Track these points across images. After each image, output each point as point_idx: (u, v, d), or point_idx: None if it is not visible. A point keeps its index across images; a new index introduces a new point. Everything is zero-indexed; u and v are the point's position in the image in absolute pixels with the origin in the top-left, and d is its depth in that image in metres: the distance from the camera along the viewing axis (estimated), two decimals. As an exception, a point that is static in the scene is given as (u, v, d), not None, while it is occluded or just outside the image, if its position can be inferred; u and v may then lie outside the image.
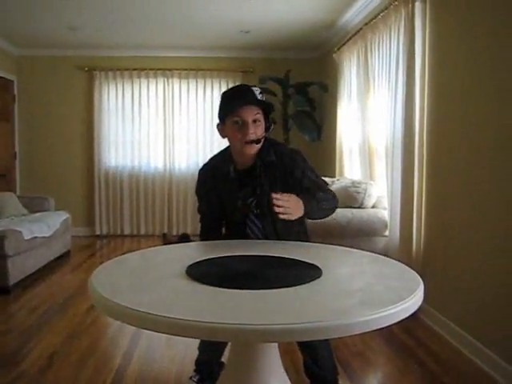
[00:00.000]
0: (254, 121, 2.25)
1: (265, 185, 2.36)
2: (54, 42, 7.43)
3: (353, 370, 3.15)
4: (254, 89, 2.29)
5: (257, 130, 2.26)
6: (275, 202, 2.01)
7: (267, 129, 2.34)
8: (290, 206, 2.06)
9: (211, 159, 2.55)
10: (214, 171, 2.47)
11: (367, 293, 1.57)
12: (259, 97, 2.28)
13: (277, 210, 2.02)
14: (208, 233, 2.57)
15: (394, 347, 3.51)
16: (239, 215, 2.45)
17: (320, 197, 2.29)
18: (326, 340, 2.57)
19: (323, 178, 2.58)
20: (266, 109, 2.32)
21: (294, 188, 2.30)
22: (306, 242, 2.49)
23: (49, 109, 7.95)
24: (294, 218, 2.11)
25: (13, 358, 3.31)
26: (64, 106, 7.97)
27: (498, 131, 3.03)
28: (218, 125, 2.41)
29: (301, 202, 2.14)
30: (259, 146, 2.31)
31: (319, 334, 1.33)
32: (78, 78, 7.94)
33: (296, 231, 2.48)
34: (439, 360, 3.28)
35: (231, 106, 2.26)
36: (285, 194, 2.07)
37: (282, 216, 2.05)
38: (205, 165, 2.55)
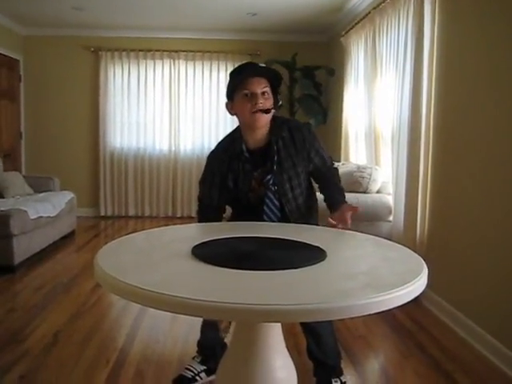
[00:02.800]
0: (263, 93, 2.27)
1: (282, 161, 2.38)
2: (60, 22, 7.40)
3: (354, 354, 3.17)
4: (260, 64, 2.36)
5: (266, 102, 2.28)
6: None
7: (275, 104, 2.34)
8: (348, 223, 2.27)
9: (220, 143, 2.52)
10: (225, 154, 2.45)
11: (371, 275, 1.58)
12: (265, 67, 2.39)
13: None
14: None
15: (397, 332, 3.53)
16: (255, 197, 2.44)
17: (338, 183, 2.55)
18: (331, 326, 2.59)
19: None
20: (274, 81, 2.34)
21: (304, 162, 2.42)
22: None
23: (54, 89, 7.93)
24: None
25: (17, 335, 3.34)
26: (70, 86, 7.95)
27: (508, 116, 3.01)
28: (226, 104, 2.41)
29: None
30: (268, 117, 2.32)
31: (322, 315, 1.33)
32: (84, 58, 7.91)
33: (310, 206, 2.61)
34: (442, 346, 3.29)
35: (240, 79, 2.29)
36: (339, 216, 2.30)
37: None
38: (214, 150, 2.52)
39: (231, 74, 2.37)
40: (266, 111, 2.28)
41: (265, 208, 2.45)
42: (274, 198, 2.45)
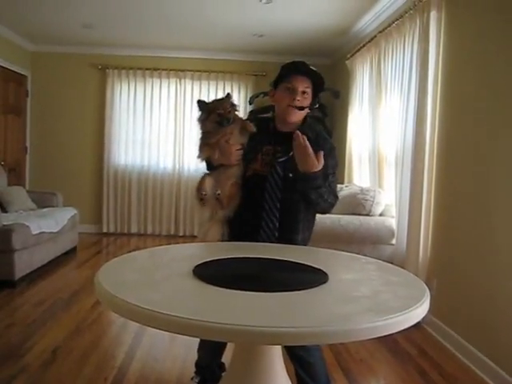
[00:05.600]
0: (303, 92, 2.38)
1: (268, 152, 2.42)
2: (68, 39, 7.48)
3: (355, 378, 3.14)
4: (310, 66, 2.41)
5: (303, 100, 2.38)
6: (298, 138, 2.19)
7: (312, 105, 2.44)
8: (300, 150, 2.20)
9: (255, 113, 2.63)
10: (257, 123, 2.54)
11: (373, 299, 1.57)
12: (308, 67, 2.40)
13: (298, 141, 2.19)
14: None
15: (397, 356, 3.50)
16: (254, 173, 2.46)
17: (324, 190, 2.32)
18: (319, 352, 2.51)
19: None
20: (317, 85, 2.43)
21: None
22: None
23: (61, 105, 7.99)
24: (310, 160, 2.20)
25: (17, 351, 3.32)
26: (76, 102, 8.01)
27: (510, 142, 3.02)
28: (270, 91, 2.56)
29: (316, 166, 2.21)
30: (302, 114, 2.42)
31: (323, 338, 1.33)
32: (91, 75, 7.98)
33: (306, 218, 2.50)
34: (443, 371, 3.26)
35: (286, 74, 2.42)
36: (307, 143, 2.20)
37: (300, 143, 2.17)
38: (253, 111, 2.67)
39: (281, 67, 2.48)
40: (301, 108, 2.38)
41: (265, 195, 2.43)
42: (275, 187, 2.42)
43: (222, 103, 2.46)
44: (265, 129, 2.52)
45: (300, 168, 2.24)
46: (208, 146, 2.49)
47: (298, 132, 2.22)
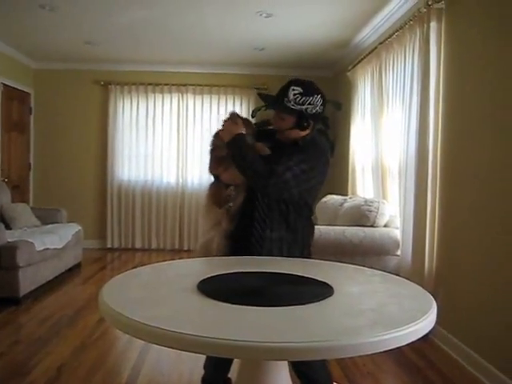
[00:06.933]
0: (280, 116, 2.49)
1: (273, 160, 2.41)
2: (70, 56, 7.53)
3: (362, 391, 3.11)
4: (290, 92, 2.43)
5: (281, 124, 2.49)
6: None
7: (301, 125, 2.46)
8: (223, 127, 2.50)
9: (258, 125, 2.74)
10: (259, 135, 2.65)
11: (379, 312, 1.56)
12: (291, 102, 2.42)
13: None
14: None
15: (405, 369, 3.47)
16: None
17: (255, 155, 2.39)
18: (324, 369, 2.50)
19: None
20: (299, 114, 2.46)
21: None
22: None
23: (64, 121, 8.03)
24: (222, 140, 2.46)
25: (21, 368, 3.31)
26: (79, 119, 8.04)
27: (512, 152, 3.01)
28: None
29: (235, 132, 2.42)
30: (290, 132, 2.48)
31: (330, 353, 1.32)
32: (93, 91, 8.02)
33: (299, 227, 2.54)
34: (450, 383, 3.23)
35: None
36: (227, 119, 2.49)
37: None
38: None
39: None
40: (280, 129, 2.52)
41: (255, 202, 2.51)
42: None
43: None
44: (266, 141, 2.56)
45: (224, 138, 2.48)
46: (218, 162, 2.53)
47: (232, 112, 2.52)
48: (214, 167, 2.62)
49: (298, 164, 2.37)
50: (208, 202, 2.63)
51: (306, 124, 2.45)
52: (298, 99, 2.41)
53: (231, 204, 2.52)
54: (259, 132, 2.69)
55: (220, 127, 2.55)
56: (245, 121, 2.56)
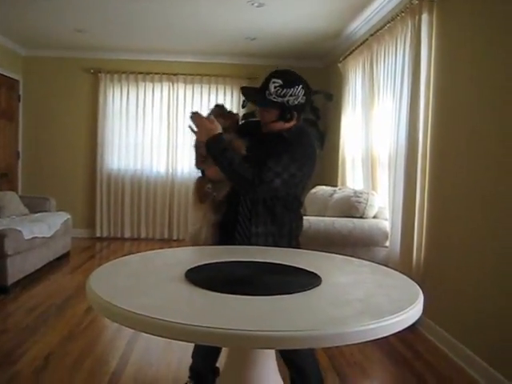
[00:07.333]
0: (263, 109, 2.50)
1: (263, 154, 2.37)
2: (60, 44, 7.46)
3: (349, 381, 3.13)
4: (271, 85, 2.43)
5: (264, 116, 2.50)
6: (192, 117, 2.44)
7: (284, 117, 2.45)
8: (197, 127, 2.42)
9: (248, 116, 2.69)
10: (248, 126, 2.73)
11: (366, 302, 1.56)
12: (273, 95, 2.41)
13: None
14: None
15: (392, 359, 3.50)
16: None
17: (237, 158, 2.33)
18: (312, 357, 2.55)
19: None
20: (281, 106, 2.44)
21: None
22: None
23: (53, 109, 7.97)
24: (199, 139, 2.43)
25: (8, 357, 3.30)
26: (68, 107, 7.99)
27: (503, 143, 3.02)
28: None
29: (212, 132, 2.36)
30: (273, 125, 2.47)
31: (317, 341, 1.32)
32: (83, 79, 7.96)
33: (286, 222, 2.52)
34: (438, 374, 3.26)
35: None
36: (201, 117, 2.42)
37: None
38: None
39: None
40: (264, 122, 2.51)
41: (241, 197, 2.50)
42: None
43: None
44: (254, 132, 2.55)
45: (200, 139, 2.44)
46: (202, 159, 2.52)
47: (195, 113, 2.45)
48: (199, 163, 2.61)
49: (286, 168, 2.32)
50: (194, 196, 2.64)
51: (289, 116, 2.44)
52: (278, 91, 2.40)
53: (215, 193, 2.52)
54: (245, 124, 2.71)
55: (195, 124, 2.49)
56: (228, 114, 2.56)
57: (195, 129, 2.45)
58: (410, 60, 4.12)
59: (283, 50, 7.30)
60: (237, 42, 7.01)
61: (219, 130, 2.38)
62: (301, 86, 2.43)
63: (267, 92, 2.42)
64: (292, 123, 2.48)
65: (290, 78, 2.44)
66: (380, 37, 4.96)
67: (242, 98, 7.69)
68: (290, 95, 2.40)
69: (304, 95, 2.44)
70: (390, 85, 4.75)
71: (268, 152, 2.36)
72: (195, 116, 2.45)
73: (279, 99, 2.41)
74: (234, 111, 2.67)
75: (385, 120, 4.92)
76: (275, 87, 2.40)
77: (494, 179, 3.09)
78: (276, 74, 2.47)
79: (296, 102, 2.42)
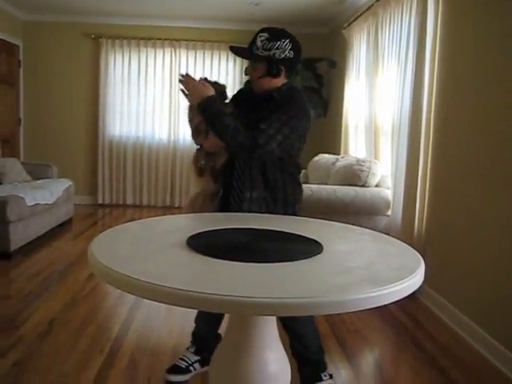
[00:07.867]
0: (252, 66, 2.51)
1: (255, 118, 2.36)
2: (61, 8, 7.34)
3: (349, 348, 3.16)
4: (258, 39, 2.43)
5: (253, 72, 2.49)
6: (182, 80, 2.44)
7: (271, 72, 2.43)
8: (190, 90, 2.43)
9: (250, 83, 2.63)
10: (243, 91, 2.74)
11: (367, 270, 1.56)
12: (260, 49, 2.41)
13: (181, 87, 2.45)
14: None
15: (392, 327, 3.53)
16: None
17: (232, 123, 2.28)
18: (312, 324, 2.57)
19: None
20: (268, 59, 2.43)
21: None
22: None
23: (54, 75, 7.89)
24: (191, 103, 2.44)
25: (12, 322, 3.33)
26: (70, 72, 7.91)
27: (508, 112, 2.99)
28: None
29: (205, 94, 2.34)
30: (262, 82, 2.46)
31: (318, 309, 1.32)
32: (84, 45, 7.87)
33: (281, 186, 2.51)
34: (437, 342, 3.29)
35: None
36: (192, 78, 2.45)
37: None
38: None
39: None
40: (252, 80, 2.51)
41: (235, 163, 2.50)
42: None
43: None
44: (247, 98, 2.57)
45: (192, 102, 2.44)
46: (197, 132, 2.52)
47: (186, 75, 2.47)
48: (195, 137, 2.60)
49: (279, 130, 2.28)
50: (193, 168, 2.64)
51: (276, 71, 2.43)
52: (265, 45, 2.40)
53: (212, 163, 2.52)
54: (238, 92, 2.72)
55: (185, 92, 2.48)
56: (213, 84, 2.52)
57: (187, 92, 2.44)
58: (415, 27, 4.05)
59: (287, 16, 7.18)
60: (240, 7, 6.90)
61: (212, 92, 2.37)
62: (288, 40, 2.42)
63: (254, 47, 2.43)
64: (281, 80, 2.47)
65: (276, 32, 2.43)
66: (386, 3, 4.87)
67: (245, 65, 7.61)
68: (276, 48, 2.40)
69: (291, 50, 2.43)
70: (395, 52, 4.69)
71: (260, 115, 2.35)
72: (186, 78, 2.44)
73: (265, 53, 2.41)
74: (221, 82, 2.63)
75: (389, 88, 4.87)
76: (261, 41, 2.41)
77: (499, 148, 3.07)
78: (263, 29, 2.46)
79: (283, 55, 2.41)
